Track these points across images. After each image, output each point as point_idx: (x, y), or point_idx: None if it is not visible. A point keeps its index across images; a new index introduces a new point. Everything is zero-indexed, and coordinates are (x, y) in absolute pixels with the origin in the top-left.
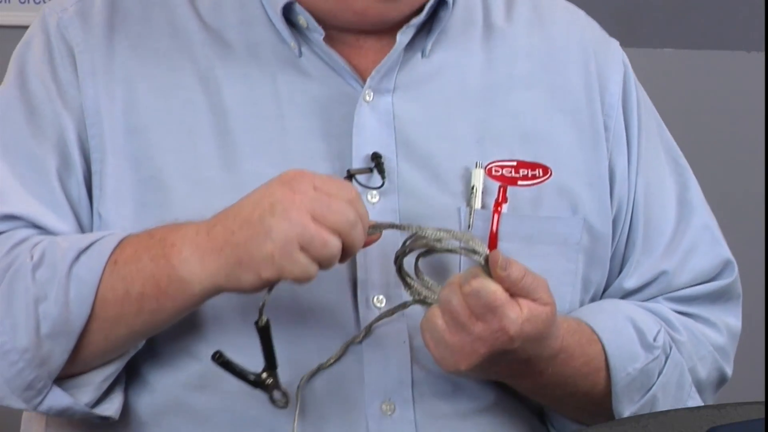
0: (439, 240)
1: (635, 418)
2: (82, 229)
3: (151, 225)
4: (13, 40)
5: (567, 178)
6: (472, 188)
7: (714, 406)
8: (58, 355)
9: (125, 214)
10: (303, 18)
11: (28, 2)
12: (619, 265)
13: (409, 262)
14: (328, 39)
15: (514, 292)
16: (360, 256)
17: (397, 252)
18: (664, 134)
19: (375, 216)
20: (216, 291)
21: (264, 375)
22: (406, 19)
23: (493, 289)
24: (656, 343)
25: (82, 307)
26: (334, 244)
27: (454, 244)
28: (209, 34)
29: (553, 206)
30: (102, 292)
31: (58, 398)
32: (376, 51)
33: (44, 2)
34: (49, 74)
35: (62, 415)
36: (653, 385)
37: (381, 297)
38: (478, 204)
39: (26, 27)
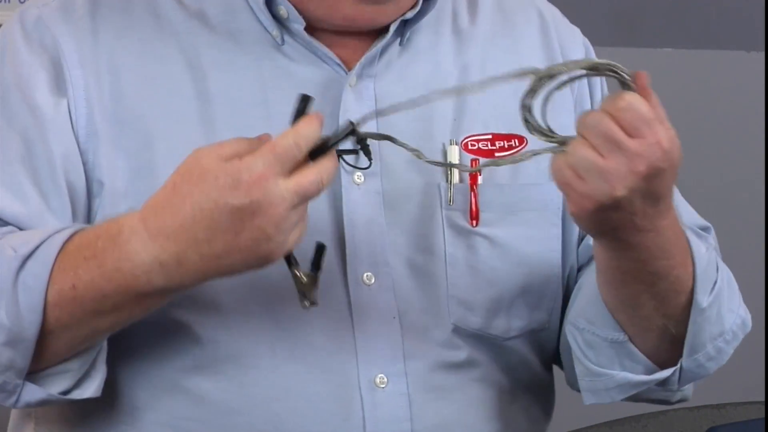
0: (569, 69)
1: (635, 418)
2: (58, 212)
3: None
4: None
5: (542, 144)
6: None
7: (714, 406)
8: (20, 360)
9: (120, 205)
10: (284, 8)
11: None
12: None
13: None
14: (310, 30)
15: None
16: (349, 236)
17: (523, 98)
18: None
19: (357, 199)
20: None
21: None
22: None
23: (645, 101)
24: (705, 233)
25: (32, 315)
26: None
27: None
28: (193, 23)
29: (530, 173)
30: (53, 296)
31: (32, 393)
32: (356, 41)
33: None
34: (24, 66)
35: (42, 406)
36: (717, 278)
37: (369, 274)
38: (456, 179)
39: None
